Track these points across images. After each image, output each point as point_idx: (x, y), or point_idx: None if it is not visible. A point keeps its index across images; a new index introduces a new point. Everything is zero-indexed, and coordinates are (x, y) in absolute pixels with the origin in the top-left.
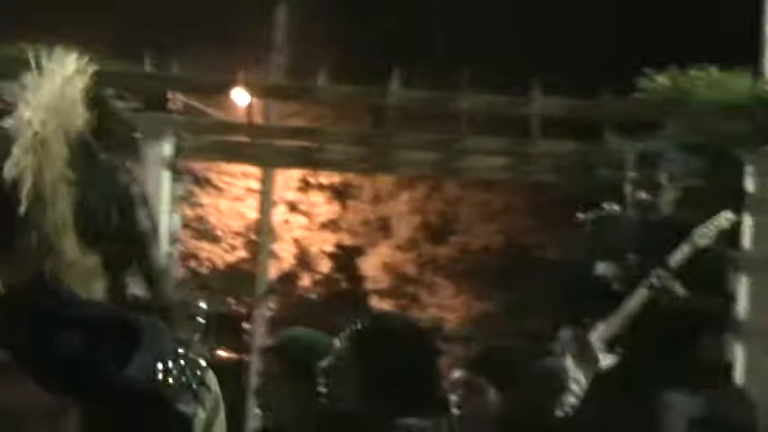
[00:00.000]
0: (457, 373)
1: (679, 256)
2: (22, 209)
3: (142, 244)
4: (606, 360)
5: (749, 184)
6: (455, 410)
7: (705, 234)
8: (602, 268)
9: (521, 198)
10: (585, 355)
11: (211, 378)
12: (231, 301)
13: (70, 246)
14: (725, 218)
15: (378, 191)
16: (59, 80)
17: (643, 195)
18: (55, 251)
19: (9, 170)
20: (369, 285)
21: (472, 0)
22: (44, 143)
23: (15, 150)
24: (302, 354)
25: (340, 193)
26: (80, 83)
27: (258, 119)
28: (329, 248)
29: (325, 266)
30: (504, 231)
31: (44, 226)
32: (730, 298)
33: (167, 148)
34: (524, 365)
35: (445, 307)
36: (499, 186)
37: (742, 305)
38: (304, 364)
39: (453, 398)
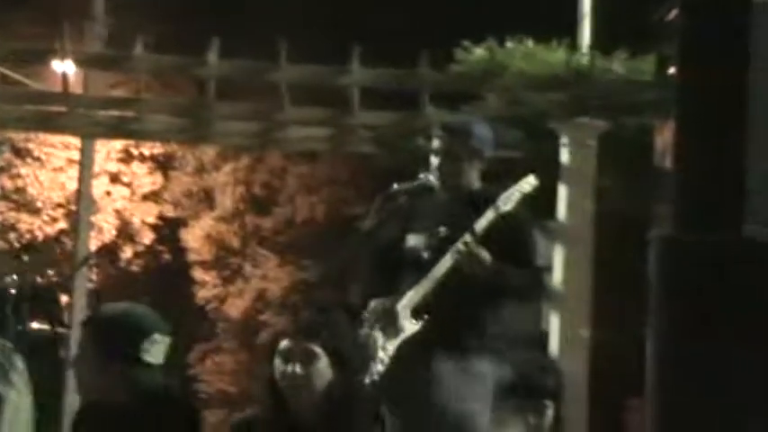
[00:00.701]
0: (286, 342)
1: (483, 222)
2: None
3: None
4: (411, 328)
5: (564, 156)
6: (283, 382)
7: (507, 199)
8: (412, 240)
9: (344, 169)
10: (391, 325)
11: (19, 359)
12: (50, 272)
13: None
14: (527, 182)
15: (201, 162)
16: None
17: (445, 168)
18: None
19: None
20: (192, 257)
21: None
22: None
23: None
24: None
25: (162, 165)
26: None
27: (80, 90)
28: (151, 220)
29: (147, 238)
30: (328, 202)
31: None
32: (539, 266)
33: None
34: (346, 335)
35: (269, 278)
36: (323, 158)
37: (557, 275)
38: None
39: (289, 368)
